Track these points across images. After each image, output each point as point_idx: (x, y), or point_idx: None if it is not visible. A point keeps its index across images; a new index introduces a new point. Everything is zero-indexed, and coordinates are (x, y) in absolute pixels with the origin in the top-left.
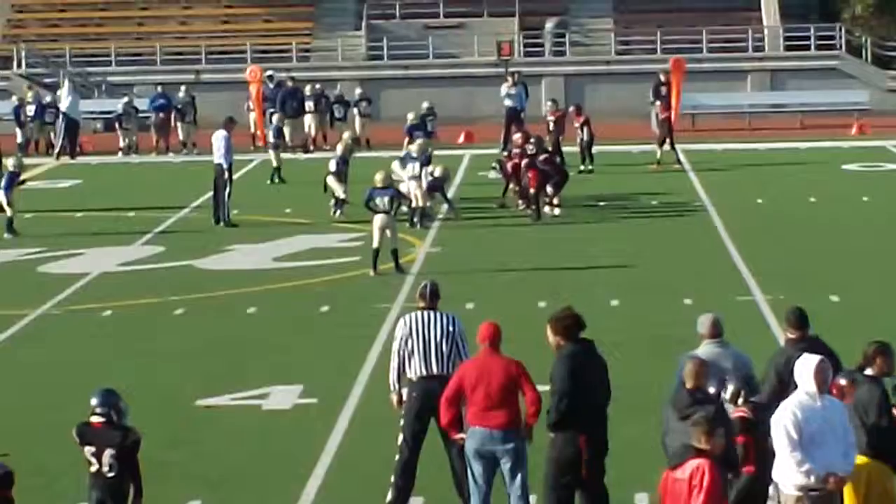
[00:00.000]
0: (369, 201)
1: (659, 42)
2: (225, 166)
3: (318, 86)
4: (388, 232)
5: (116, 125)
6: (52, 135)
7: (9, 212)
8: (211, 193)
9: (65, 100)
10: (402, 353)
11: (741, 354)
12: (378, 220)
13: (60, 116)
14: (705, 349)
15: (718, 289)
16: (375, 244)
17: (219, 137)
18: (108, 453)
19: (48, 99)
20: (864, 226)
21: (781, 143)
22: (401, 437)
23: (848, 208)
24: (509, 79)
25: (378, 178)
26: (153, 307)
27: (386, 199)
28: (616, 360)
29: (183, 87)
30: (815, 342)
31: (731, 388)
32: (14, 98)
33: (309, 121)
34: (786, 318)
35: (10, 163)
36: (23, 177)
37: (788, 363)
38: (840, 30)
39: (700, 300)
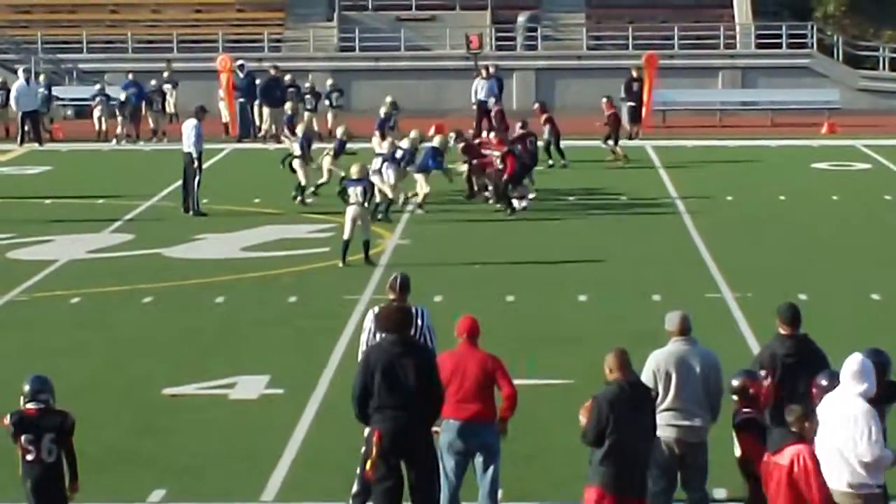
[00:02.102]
0: (343, 192)
1: (631, 38)
2: (195, 155)
3: (287, 76)
4: (360, 223)
5: (117, 112)
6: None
7: None
8: (181, 182)
9: (13, 91)
10: (370, 344)
11: (709, 352)
12: (351, 211)
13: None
14: (673, 346)
15: (687, 285)
16: (346, 235)
17: (189, 126)
18: (47, 438)
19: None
20: (834, 224)
21: (752, 141)
22: (367, 428)
23: (817, 206)
24: (483, 72)
25: (353, 169)
26: (121, 295)
27: (359, 189)
28: (585, 355)
29: (154, 81)
30: (804, 340)
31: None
32: None
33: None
34: (779, 313)
35: None
36: None
37: (774, 358)
38: (812, 28)
39: (669, 297)
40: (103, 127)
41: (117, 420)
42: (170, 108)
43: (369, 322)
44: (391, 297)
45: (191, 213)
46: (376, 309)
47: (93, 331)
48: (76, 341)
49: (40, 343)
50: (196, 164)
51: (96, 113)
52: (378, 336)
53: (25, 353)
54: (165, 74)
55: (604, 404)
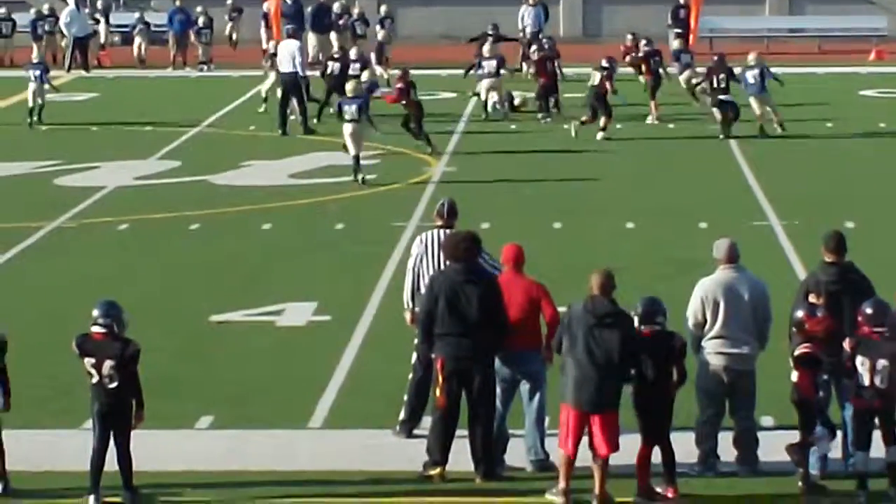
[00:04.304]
0: (339, 111)
1: None
2: (302, 74)
3: (336, 4)
4: (355, 138)
5: (193, 36)
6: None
7: None
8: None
9: (63, 17)
10: (416, 270)
11: (757, 280)
12: (347, 128)
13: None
14: (721, 274)
15: (734, 213)
16: (353, 151)
17: (293, 47)
18: (107, 364)
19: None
20: (881, 152)
21: (799, 68)
22: (415, 355)
23: (865, 133)
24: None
25: (348, 87)
26: (168, 222)
27: (354, 107)
28: (630, 282)
29: (199, 8)
30: (849, 267)
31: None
32: (32, 11)
33: (333, 38)
34: (824, 241)
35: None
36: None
37: (818, 284)
38: None
39: (715, 225)
40: (143, 54)
41: (164, 347)
42: (231, 35)
43: (417, 248)
44: (438, 223)
45: (302, 133)
46: (424, 235)
47: (140, 258)
48: (123, 268)
49: (87, 269)
50: (305, 83)
51: (137, 40)
52: (426, 261)
53: (73, 279)
54: (230, 2)
55: (566, 317)
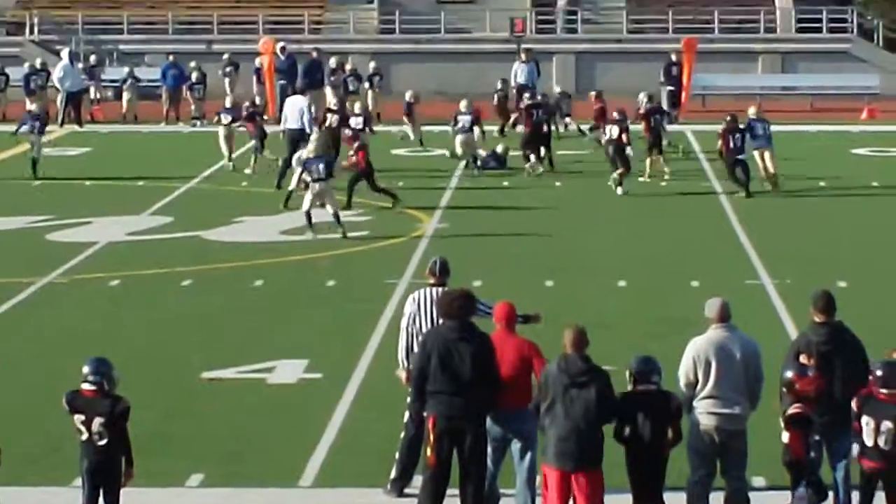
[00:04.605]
0: (304, 170)
1: (671, 22)
2: (309, 131)
3: (332, 60)
4: (325, 198)
5: (186, 91)
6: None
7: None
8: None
9: (56, 72)
10: (410, 329)
11: (749, 340)
12: (314, 187)
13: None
14: (713, 333)
15: (726, 272)
16: (306, 207)
17: (301, 103)
18: (97, 422)
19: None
20: (873, 211)
21: (791, 126)
22: (407, 413)
23: (857, 192)
24: (522, 55)
25: (310, 148)
26: (160, 278)
27: (321, 166)
28: (622, 341)
29: (193, 63)
30: (839, 328)
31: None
32: (26, 65)
33: (329, 93)
34: (813, 301)
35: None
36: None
37: (809, 345)
38: (852, 13)
39: (708, 283)
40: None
41: (155, 403)
42: (228, 90)
43: (410, 307)
44: (431, 281)
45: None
46: (416, 294)
47: (131, 313)
48: (114, 324)
49: (79, 325)
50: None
51: (125, 95)
52: (418, 321)
53: (64, 334)
54: (226, 57)
55: (542, 378)
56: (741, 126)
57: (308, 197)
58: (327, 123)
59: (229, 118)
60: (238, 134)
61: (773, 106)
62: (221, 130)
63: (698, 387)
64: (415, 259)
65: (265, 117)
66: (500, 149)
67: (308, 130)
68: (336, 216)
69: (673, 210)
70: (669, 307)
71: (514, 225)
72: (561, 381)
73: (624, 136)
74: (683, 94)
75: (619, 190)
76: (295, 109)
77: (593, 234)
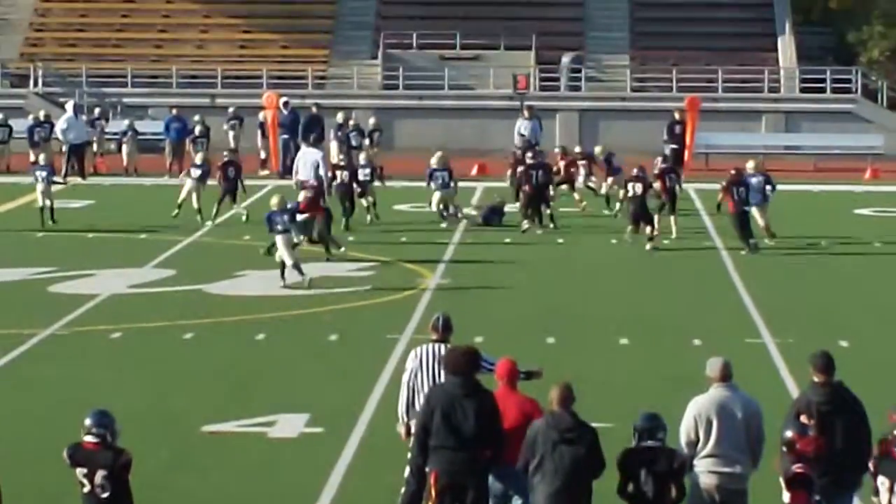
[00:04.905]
0: (269, 224)
1: (675, 80)
2: (326, 184)
3: (339, 115)
4: (289, 249)
5: (189, 145)
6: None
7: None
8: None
9: (60, 124)
10: (411, 385)
11: (750, 399)
12: (280, 239)
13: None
14: (715, 392)
15: (728, 330)
16: (291, 261)
17: (315, 156)
18: (100, 474)
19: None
20: (876, 271)
21: (795, 186)
22: (408, 468)
23: (860, 252)
24: (525, 112)
25: (274, 201)
26: (162, 330)
27: (286, 218)
28: (623, 399)
29: (196, 117)
30: (839, 388)
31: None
32: (30, 117)
33: (334, 148)
34: (812, 361)
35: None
36: None
37: (809, 405)
38: (856, 73)
39: (709, 341)
40: (132, 162)
41: (156, 456)
42: (232, 144)
43: (412, 362)
44: (433, 336)
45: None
46: (418, 349)
47: (133, 366)
48: (116, 376)
49: (81, 377)
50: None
51: (125, 148)
52: (420, 376)
53: (66, 386)
54: (231, 110)
55: (530, 435)
56: (745, 180)
57: (283, 250)
58: (338, 180)
59: (199, 173)
60: (207, 189)
61: (777, 165)
62: (188, 184)
63: (699, 445)
64: (416, 314)
65: (267, 171)
66: (497, 199)
67: (325, 183)
68: (296, 267)
69: (675, 268)
70: (671, 365)
71: (516, 281)
72: (550, 437)
73: (648, 193)
74: (686, 153)
75: (649, 245)
76: (308, 162)
77: (595, 292)
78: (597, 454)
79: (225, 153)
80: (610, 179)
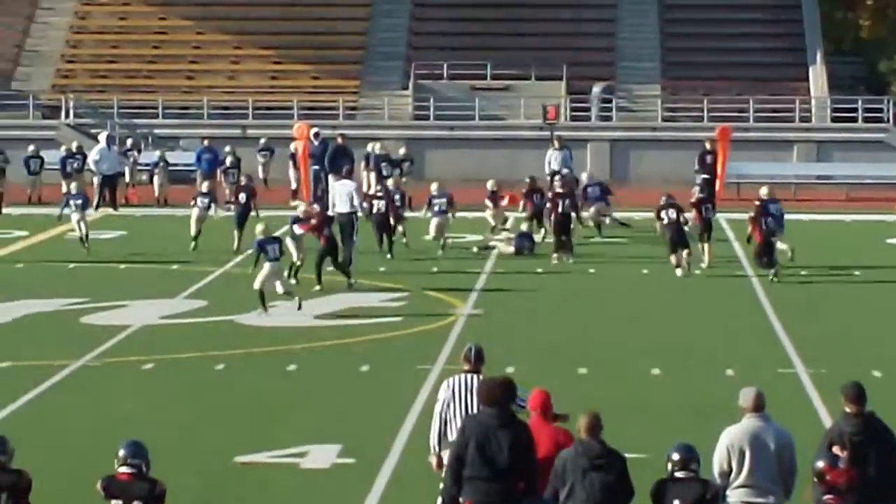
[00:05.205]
0: (260, 251)
1: (706, 110)
2: (360, 214)
3: (377, 146)
4: (278, 277)
5: (221, 175)
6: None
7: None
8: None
9: (93, 155)
10: (444, 415)
11: (783, 430)
12: (269, 266)
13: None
14: (747, 423)
15: (760, 360)
16: (258, 286)
17: (350, 187)
18: None
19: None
20: None
21: (826, 215)
22: (440, 499)
23: (892, 281)
24: (555, 143)
25: (259, 229)
26: (194, 361)
27: (277, 247)
28: (656, 430)
29: (227, 148)
30: (871, 418)
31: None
32: (62, 148)
33: (366, 179)
34: (844, 392)
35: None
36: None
37: (842, 436)
38: (888, 102)
39: (742, 371)
40: (164, 193)
41: (189, 487)
42: (262, 175)
43: (444, 393)
44: (465, 367)
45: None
46: (451, 380)
47: (165, 397)
48: (148, 407)
49: (112, 408)
50: (356, 224)
51: (157, 179)
52: (452, 407)
53: (97, 418)
54: (262, 141)
55: (559, 464)
56: (770, 211)
57: (261, 276)
58: (375, 209)
59: (206, 202)
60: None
61: (809, 195)
62: (195, 212)
63: (732, 476)
64: (448, 345)
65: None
66: (524, 227)
67: (360, 213)
68: (288, 293)
69: (707, 297)
70: (703, 395)
71: (547, 311)
72: (580, 464)
73: (681, 218)
74: (718, 183)
75: (679, 272)
76: (344, 193)
77: (627, 321)
78: (626, 481)
79: (242, 178)
80: (592, 209)
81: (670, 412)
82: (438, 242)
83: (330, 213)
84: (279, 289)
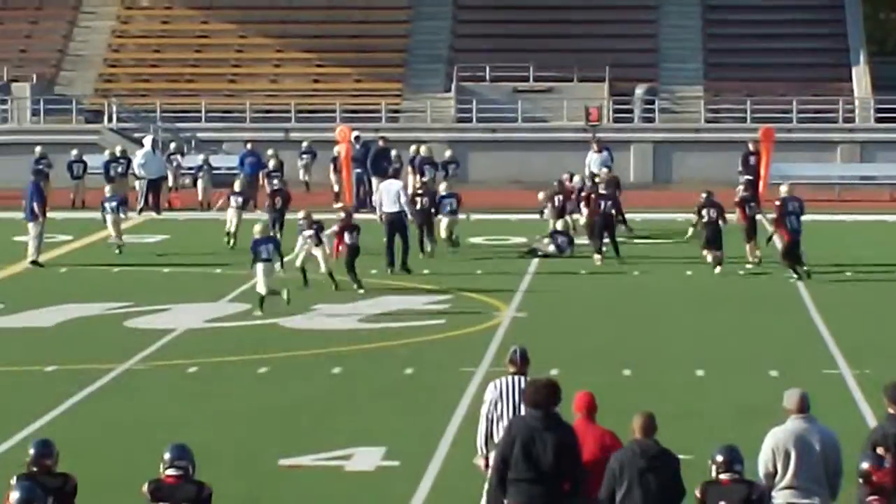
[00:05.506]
0: (255, 251)
1: (749, 111)
2: (407, 213)
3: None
4: (268, 278)
5: (263, 179)
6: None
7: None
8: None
9: (138, 159)
10: (490, 416)
11: (828, 431)
12: (262, 267)
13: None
14: (792, 424)
15: (805, 361)
16: (264, 291)
17: (395, 186)
18: None
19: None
20: None
21: (870, 216)
22: (484, 501)
23: None
24: (595, 145)
25: (257, 229)
26: (238, 365)
27: (271, 247)
28: (700, 431)
29: (270, 151)
30: None
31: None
32: (106, 153)
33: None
34: (886, 393)
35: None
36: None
37: (885, 437)
38: None
39: (786, 373)
40: (207, 196)
41: (233, 491)
42: (303, 178)
43: (491, 394)
44: (511, 370)
45: (398, 269)
46: (497, 382)
47: (209, 400)
48: (193, 410)
49: (157, 412)
50: (405, 222)
51: (200, 183)
52: (500, 407)
53: (142, 421)
54: (305, 144)
55: (614, 465)
56: (791, 209)
57: (260, 279)
58: (419, 206)
59: (240, 200)
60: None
61: (852, 195)
62: (230, 212)
63: (777, 477)
64: (492, 347)
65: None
66: (559, 225)
67: (407, 212)
68: (273, 293)
69: (750, 298)
70: (748, 397)
71: (590, 312)
72: (637, 464)
73: (721, 218)
74: (761, 184)
75: (718, 269)
76: (391, 193)
77: (671, 323)
78: (680, 482)
79: (275, 182)
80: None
81: (714, 414)
82: (449, 242)
83: (377, 213)
84: (262, 290)
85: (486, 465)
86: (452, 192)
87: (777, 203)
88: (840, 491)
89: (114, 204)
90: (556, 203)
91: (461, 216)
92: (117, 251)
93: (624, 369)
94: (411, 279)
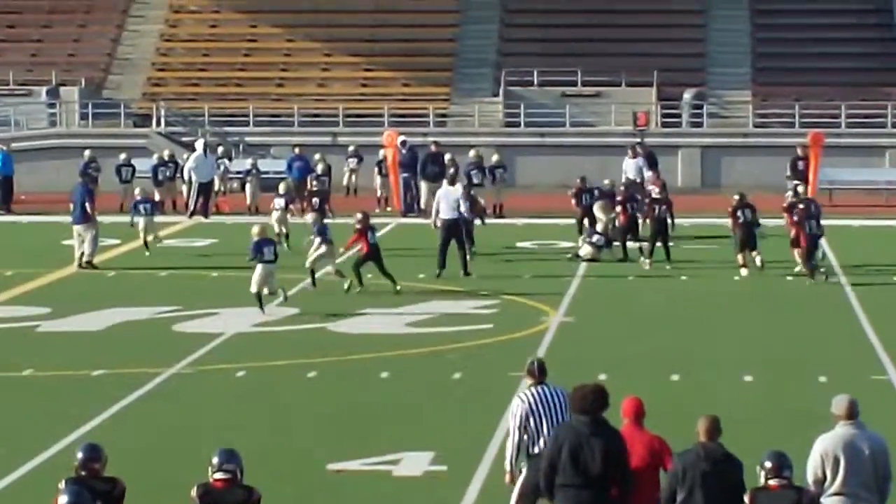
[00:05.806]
0: (258, 252)
1: (797, 116)
2: (468, 219)
3: (472, 153)
4: (270, 279)
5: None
6: (183, 193)
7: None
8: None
9: (189, 162)
10: (523, 429)
11: (877, 437)
12: (264, 268)
13: (187, 178)
14: (841, 430)
15: (853, 367)
16: (255, 289)
17: (457, 193)
18: None
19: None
20: None
21: None
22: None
23: None
24: (630, 151)
25: (255, 230)
26: (286, 369)
27: (272, 248)
28: (749, 437)
29: (318, 155)
30: None
31: None
32: (154, 157)
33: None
34: None
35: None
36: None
37: None
38: None
39: (834, 378)
40: (255, 200)
41: (282, 495)
42: (347, 182)
43: (521, 407)
44: (530, 381)
45: (460, 274)
46: (524, 394)
47: (257, 404)
48: (241, 415)
49: (205, 416)
50: (467, 228)
51: (248, 187)
52: (533, 420)
53: (190, 425)
54: (351, 149)
55: (678, 467)
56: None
57: (256, 278)
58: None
59: (283, 202)
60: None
61: None
62: (275, 215)
63: (826, 483)
64: (540, 352)
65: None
66: (599, 226)
67: (468, 218)
68: (272, 293)
69: (798, 302)
70: (796, 402)
71: (638, 317)
72: (700, 467)
73: (755, 219)
74: (810, 189)
75: (744, 271)
76: (451, 199)
77: (718, 327)
78: (743, 487)
79: (314, 184)
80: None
81: (763, 419)
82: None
83: (432, 219)
84: (253, 288)
85: (512, 479)
86: (471, 196)
87: (800, 206)
88: (889, 496)
89: (147, 206)
90: (583, 202)
91: (476, 221)
92: (147, 253)
93: (672, 374)
94: (460, 283)
